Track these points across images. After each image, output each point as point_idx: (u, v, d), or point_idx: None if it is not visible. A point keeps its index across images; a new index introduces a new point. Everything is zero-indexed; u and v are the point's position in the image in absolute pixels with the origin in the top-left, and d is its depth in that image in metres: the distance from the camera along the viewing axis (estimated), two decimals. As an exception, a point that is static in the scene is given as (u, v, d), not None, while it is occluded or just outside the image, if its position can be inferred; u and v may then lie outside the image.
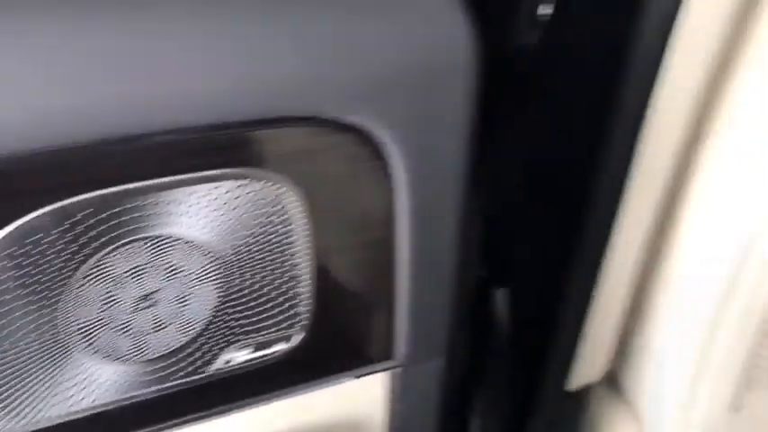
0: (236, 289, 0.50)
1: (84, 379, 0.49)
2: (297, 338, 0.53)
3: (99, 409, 0.50)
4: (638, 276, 0.71)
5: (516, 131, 0.73)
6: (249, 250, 0.49)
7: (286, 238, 0.50)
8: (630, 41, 0.58)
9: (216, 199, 0.47)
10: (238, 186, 0.47)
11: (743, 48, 0.59)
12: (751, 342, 0.71)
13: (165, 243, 0.47)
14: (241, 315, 0.51)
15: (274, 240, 0.50)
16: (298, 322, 0.52)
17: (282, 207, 0.49)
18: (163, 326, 0.49)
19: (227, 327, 0.51)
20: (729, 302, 0.68)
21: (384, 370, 0.57)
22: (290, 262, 0.51)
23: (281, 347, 0.53)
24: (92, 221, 0.44)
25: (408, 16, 0.48)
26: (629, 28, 0.58)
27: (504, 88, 0.69)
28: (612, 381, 0.77)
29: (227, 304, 0.50)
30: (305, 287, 0.52)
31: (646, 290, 0.73)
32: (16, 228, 0.42)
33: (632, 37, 0.58)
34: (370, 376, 0.56)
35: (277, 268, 0.50)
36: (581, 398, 0.75)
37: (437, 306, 0.55)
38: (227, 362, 0.52)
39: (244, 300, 0.50)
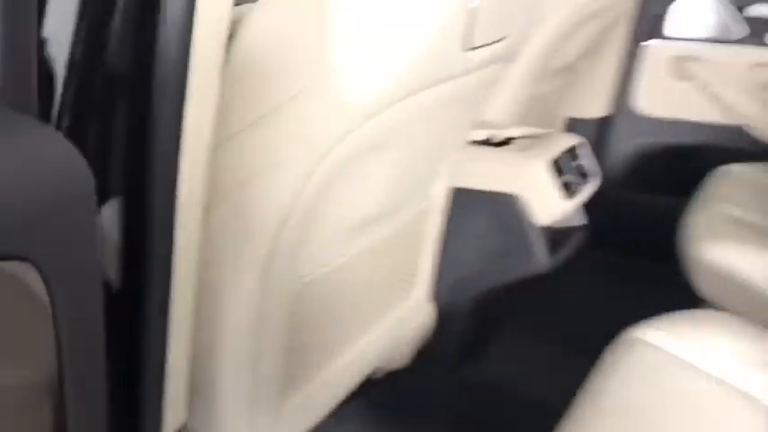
0: None
1: None
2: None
3: None
4: (195, 336, 0.86)
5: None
6: None
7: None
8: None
9: None
10: None
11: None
12: (283, 370, 0.93)
13: None
14: None
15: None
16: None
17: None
18: None
19: None
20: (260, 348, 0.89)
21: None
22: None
23: None
24: None
25: (26, 159, 0.52)
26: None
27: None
28: (186, 429, 0.89)
29: None
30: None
31: (202, 346, 0.88)
32: None
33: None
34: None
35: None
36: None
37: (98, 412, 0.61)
38: None
39: None
